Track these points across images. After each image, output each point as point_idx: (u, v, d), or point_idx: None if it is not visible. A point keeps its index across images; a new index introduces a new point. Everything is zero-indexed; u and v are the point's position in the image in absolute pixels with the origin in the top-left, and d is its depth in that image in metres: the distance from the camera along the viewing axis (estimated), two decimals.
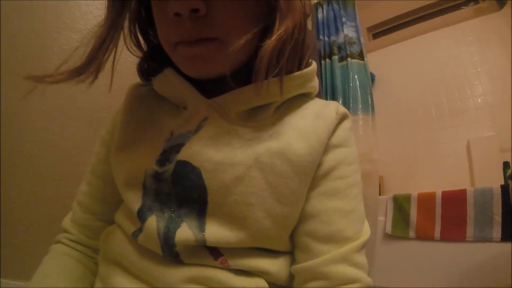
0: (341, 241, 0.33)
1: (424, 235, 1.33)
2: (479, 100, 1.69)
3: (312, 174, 0.34)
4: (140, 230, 0.33)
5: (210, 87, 0.36)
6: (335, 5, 1.49)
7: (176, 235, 0.31)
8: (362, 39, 1.44)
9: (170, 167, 0.32)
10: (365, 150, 1.28)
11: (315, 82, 0.40)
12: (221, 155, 0.32)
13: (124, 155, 0.36)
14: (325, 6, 1.50)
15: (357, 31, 1.44)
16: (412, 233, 1.37)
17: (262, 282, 0.32)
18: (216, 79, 0.35)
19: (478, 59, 1.71)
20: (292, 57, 0.34)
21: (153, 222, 0.32)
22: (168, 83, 0.37)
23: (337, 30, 1.44)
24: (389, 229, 1.41)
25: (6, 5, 0.84)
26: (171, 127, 0.36)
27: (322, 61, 1.42)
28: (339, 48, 1.40)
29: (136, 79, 0.41)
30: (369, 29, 1.95)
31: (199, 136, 0.33)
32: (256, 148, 0.32)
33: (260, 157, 0.32)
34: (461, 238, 1.20)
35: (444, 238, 1.25)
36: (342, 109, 0.39)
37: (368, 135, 1.29)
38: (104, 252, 0.37)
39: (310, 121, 0.35)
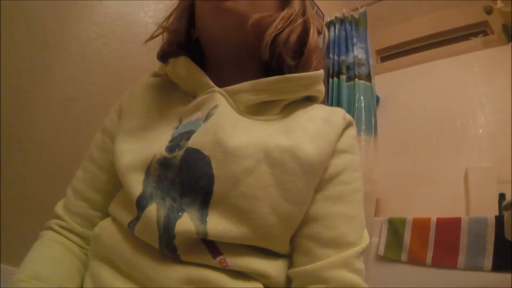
0: (343, 246, 0.32)
1: (416, 260, 1.33)
2: (480, 131, 1.71)
3: (320, 176, 0.34)
4: (137, 219, 0.31)
5: (223, 78, 0.38)
6: (348, 25, 1.52)
7: (176, 225, 0.30)
8: (371, 61, 1.47)
9: (179, 153, 0.32)
10: (365, 170, 1.29)
11: (321, 88, 0.41)
12: (232, 145, 0.31)
13: (132, 139, 0.37)
14: (337, 26, 1.54)
15: (366, 53, 1.47)
16: (404, 257, 1.37)
17: (259, 285, 0.31)
18: (227, 68, 0.39)
19: (483, 90, 1.74)
20: (299, 53, 0.38)
21: (153, 210, 0.30)
22: (182, 68, 0.39)
23: (347, 50, 1.47)
24: (382, 250, 1.41)
25: None
26: (180, 114, 0.37)
27: (330, 79, 1.44)
28: (348, 68, 1.43)
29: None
30: (378, 51, 1.99)
31: (209, 124, 0.34)
32: (267, 142, 0.33)
33: (270, 151, 0.32)
34: (453, 265, 1.20)
35: (435, 264, 1.25)
36: (349, 117, 0.40)
37: (369, 156, 1.31)
38: (94, 247, 0.35)
39: (319, 124, 0.36)
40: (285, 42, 0.37)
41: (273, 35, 0.36)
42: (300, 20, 0.39)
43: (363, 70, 1.43)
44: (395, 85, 1.82)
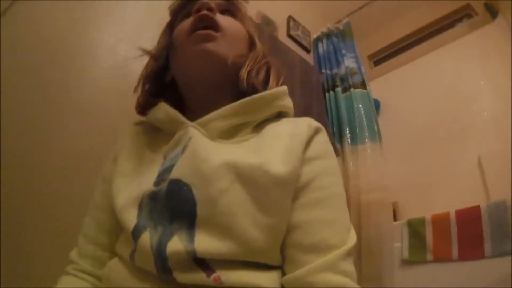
0: (325, 249, 0.33)
1: (442, 257, 1.30)
2: (485, 114, 1.67)
3: (293, 186, 0.36)
4: (135, 250, 0.35)
5: (201, 111, 0.43)
6: (334, 39, 1.56)
7: (167, 247, 0.32)
8: (363, 68, 1.49)
9: (164, 185, 0.36)
10: (375, 178, 1.29)
11: (286, 102, 0.46)
12: (207, 171, 0.35)
13: (124, 181, 0.41)
14: (324, 41, 1.57)
15: (357, 61, 1.50)
16: (429, 256, 1.34)
17: None
18: (202, 103, 0.45)
19: (479, 73, 1.71)
20: (257, 75, 0.45)
21: (146, 237, 0.34)
22: (161, 113, 0.44)
23: (338, 63, 1.50)
24: (406, 254, 1.39)
25: None
26: (164, 152, 0.42)
27: (326, 94, 1.47)
28: (342, 79, 1.46)
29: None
30: (370, 57, 2.01)
31: (185, 156, 0.38)
32: (238, 162, 0.35)
33: (241, 171, 0.35)
34: (480, 255, 1.17)
35: (462, 258, 1.23)
36: (315, 123, 0.43)
37: (377, 163, 1.31)
38: (105, 286, 0.38)
39: (286, 139, 0.39)
40: (256, 75, 0.45)
41: (247, 71, 0.44)
42: (263, 61, 0.48)
43: (356, 79, 1.45)
44: (393, 86, 1.82)
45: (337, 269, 0.32)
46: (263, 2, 1.37)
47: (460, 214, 1.29)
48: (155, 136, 0.46)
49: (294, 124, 0.42)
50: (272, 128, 0.42)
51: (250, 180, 0.34)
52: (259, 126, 0.43)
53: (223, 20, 0.45)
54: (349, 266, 0.33)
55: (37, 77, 0.87)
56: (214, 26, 0.44)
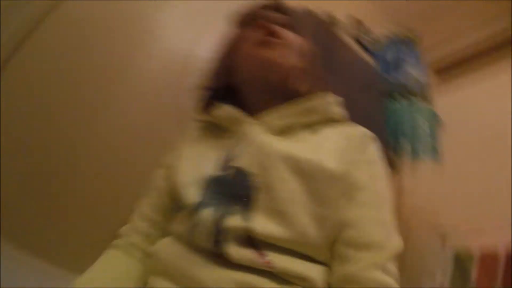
0: (376, 249, 0.35)
1: None
2: None
3: (346, 184, 0.39)
4: (193, 225, 0.37)
5: (258, 111, 0.47)
6: (401, 46, 1.46)
7: (227, 221, 0.35)
8: (429, 80, 1.39)
9: (229, 172, 0.40)
10: (428, 200, 1.20)
11: (338, 110, 0.49)
12: (266, 161, 0.39)
13: (189, 164, 0.45)
14: (390, 46, 1.48)
15: (423, 73, 1.40)
16: None
17: None
18: (258, 104, 0.48)
19: None
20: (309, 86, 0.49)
21: (208, 212, 0.37)
22: (223, 112, 0.49)
23: (404, 71, 1.40)
24: (446, 286, 1.29)
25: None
26: (226, 146, 0.46)
27: (387, 101, 1.38)
28: (406, 89, 1.36)
29: None
30: (437, 71, 1.87)
31: (246, 147, 0.42)
32: (296, 156, 0.39)
33: (299, 164, 0.38)
34: None
35: None
36: (370, 133, 0.47)
37: (433, 184, 1.22)
38: (152, 263, 0.40)
39: (341, 142, 0.43)
40: (311, 86, 0.50)
41: (302, 84, 0.49)
42: (317, 73, 0.53)
43: (421, 91, 1.35)
44: (458, 106, 1.69)
45: (385, 269, 0.34)
46: (328, 2, 1.32)
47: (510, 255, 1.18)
48: (217, 132, 0.50)
49: (350, 129, 0.46)
50: (328, 130, 0.46)
51: (307, 172, 0.38)
52: (313, 128, 0.46)
53: (288, 34, 0.49)
54: (394, 267, 0.35)
55: (98, 50, 0.87)
56: (281, 38, 0.48)
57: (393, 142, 1.22)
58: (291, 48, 0.48)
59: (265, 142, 0.41)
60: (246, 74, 0.50)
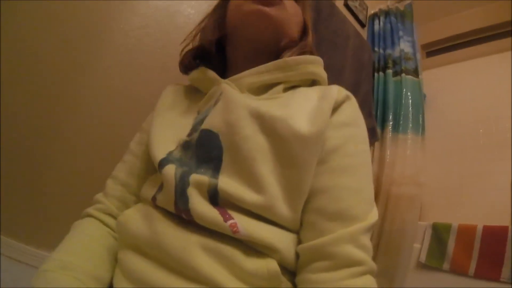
0: (349, 219, 0.32)
1: (458, 269, 1.26)
2: None
3: (317, 146, 0.35)
4: (159, 188, 0.36)
5: (240, 71, 0.44)
6: (393, 18, 1.44)
7: (191, 177, 0.34)
8: (418, 55, 1.38)
9: (195, 135, 0.38)
10: (411, 172, 1.21)
11: (320, 71, 0.46)
12: (233, 119, 0.36)
13: (162, 127, 0.43)
14: (382, 18, 1.45)
15: (413, 47, 1.39)
16: (446, 266, 1.29)
17: (273, 264, 0.31)
18: (243, 65, 0.45)
19: None
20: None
21: (172, 167, 0.35)
22: (200, 74, 0.47)
23: (393, 44, 1.38)
24: (423, 258, 1.33)
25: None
26: (198, 107, 0.45)
27: (376, 74, 1.36)
28: (394, 62, 1.35)
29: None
30: (424, 46, 1.87)
31: (216, 108, 0.39)
32: (263, 114, 0.36)
33: (264, 121, 0.35)
34: (496, 278, 1.12)
35: (478, 276, 1.17)
36: (345, 91, 0.42)
37: (416, 157, 1.22)
38: (121, 236, 0.38)
39: (315, 102, 0.39)
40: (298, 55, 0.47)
41: (289, 55, 0.46)
42: (309, 51, 0.49)
43: (410, 65, 1.34)
44: (442, 82, 1.70)
45: (358, 243, 0.31)
46: None
47: (487, 230, 1.22)
48: (194, 94, 0.49)
49: (324, 89, 0.42)
50: (303, 91, 0.43)
51: (272, 130, 0.35)
52: (291, 89, 0.44)
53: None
54: (368, 241, 0.32)
55: (79, 8, 0.83)
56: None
57: (378, 113, 1.22)
58: (288, 12, 0.46)
59: (232, 100, 0.38)
60: (238, 28, 0.47)
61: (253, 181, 0.33)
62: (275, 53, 0.46)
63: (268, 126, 0.35)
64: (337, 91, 0.40)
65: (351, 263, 0.30)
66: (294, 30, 0.47)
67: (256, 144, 0.34)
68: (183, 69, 0.50)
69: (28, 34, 0.77)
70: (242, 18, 0.46)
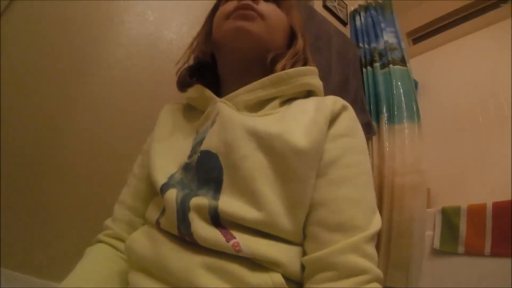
0: (351, 230, 0.32)
1: (473, 251, 1.25)
2: None
3: (315, 159, 0.35)
4: (162, 212, 0.37)
5: (233, 89, 0.44)
6: (373, 11, 1.45)
7: (191, 200, 0.34)
8: (403, 44, 1.39)
9: (195, 157, 0.38)
10: (412, 161, 1.21)
11: (314, 81, 0.46)
12: (230, 139, 0.36)
13: (161, 146, 0.44)
14: (362, 13, 1.47)
15: (397, 36, 1.40)
16: (461, 249, 1.28)
17: (278, 277, 0.31)
18: (235, 83, 0.46)
19: None
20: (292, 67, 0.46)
21: (173, 192, 0.36)
22: (195, 92, 0.48)
23: (376, 37, 1.39)
24: (437, 244, 1.33)
25: (58, 24, 0.87)
26: (196, 127, 0.45)
27: (364, 69, 1.38)
28: (380, 54, 1.36)
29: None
30: (408, 34, 1.88)
31: (213, 128, 0.40)
32: (259, 131, 0.36)
33: (261, 139, 0.36)
34: None
35: (495, 253, 1.16)
36: (342, 101, 0.42)
37: (414, 145, 1.23)
38: (129, 259, 0.38)
39: (311, 114, 0.39)
40: (291, 67, 0.46)
41: (281, 66, 0.45)
42: (302, 56, 0.49)
43: (396, 55, 1.35)
44: (432, 66, 1.70)
45: (362, 252, 0.31)
46: None
47: (497, 206, 1.21)
48: (191, 113, 0.49)
49: (320, 100, 0.42)
50: (299, 104, 0.43)
51: (270, 148, 0.35)
52: (287, 103, 0.44)
53: (265, 6, 0.46)
54: (372, 250, 0.32)
55: (65, 45, 0.86)
56: (255, 11, 0.45)
57: (371, 108, 1.23)
58: (268, 21, 0.45)
59: (229, 120, 0.39)
60: (219, 48, 0.49)
61: (253, 199, 0.33)
62: (265, 65, 0.45)
63: (265, 144, 0.35)
64: (333, 103, 0.40)
65: (356, 272, 0.30)
66: (278, 39, 0.47)
67: (255, 163, 0.35)
68: (180, 86, 0.51)
69: (19, 67, 0.80)
70: (223, 37, 0.47)
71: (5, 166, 0.72)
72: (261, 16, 0.45)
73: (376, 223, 0.34)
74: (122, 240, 0.43)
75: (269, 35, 0.45)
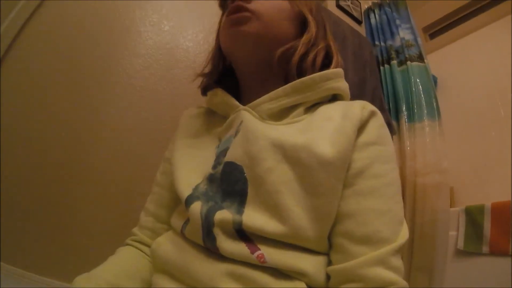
0: (377, 242, 0.32)
1: (498, 250, 1.21)
2: None
3: (342, 169, 0.34)
4: (187, 221, 0.37)
5: (253, 96, 0.43)
6: (387, 8, 1.42)
7: (215, 214, 0.34)
8: (419, 40, 1.35)
9: (219, 168, 0.38)
10: (433, 159, 1.18)
11: (340, 84, 0.44)
12: (255, 151, 0.35)
13: (183, 154, 0.44)
14: (376, 11, 1.44)
15: (413, 33, 1.36)
16: (485, 249, 1.24)
17: (302, 285, 0.31)
18: (255, 87, 0.45)
19: None
20: (313, 61, 0.43)
21: (198, 205, 0.36)
22: (217, 97, 0.47)
23: (392, 34, 1.36)
24: (461, 244, 1.29)
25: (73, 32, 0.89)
26: (219, 134, 0.44)
27: (381, 67, 1.35)
28: (397, 52, 1.33)
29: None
30: (424, 29, 1.83)
31: (237, 139, 0.39)
32: (284, 142, 0.35)
33: (286, 151, 0.35)
34: None
35: None
36: (370, 107, 0.40)
37: (436, 143, 1.20)
38: (154, 261, 0.39)
39: (337, 121, 0.37)
40: (312, 65, 0.44)
41: (297, 62, 0.43)
42: (322, 44, 0.46)
43: (413, 51, 1.32)
44: (450, 61, 1.65)
45: (388, 265, 0.31)
46: None
47: None
48: (212, 118, 0.49)
49: (347, 106, 0.40)
50: (324, 110, 0.41)
51: (295, 159, 0.34)
52: (311, 109, 0.43)
53: (260, 2, 0.44)
54: (399, 262, 0.32)
55: (85, 57, 0.88)
56: (246, 11, 0.43)
57: (390, 107, 1.20)
58: (265, 15, 0.43)
59: (253, 131, 0.38)
60: (228, 55, 0.48)
61: (277, 213, 0.33)
62: (280, 63, 0.43)
63: (291, 155, 0.35)
64: (361, 109, 0.38)
65: (382, 284, 0.30)
66: (283, 31, 0.44)
67: (280, 176, 0.34)
68: (203, 91, 0.51)
69: (43, 79, 0.83)
70: (224, 48, 0.46)
71: (30, 169, 0.75)
72: (255, 14, 0.42)
73: (403, 234, 0.34)
74: (146, 245, 0.44)
75: (269, 30, 0.43)
